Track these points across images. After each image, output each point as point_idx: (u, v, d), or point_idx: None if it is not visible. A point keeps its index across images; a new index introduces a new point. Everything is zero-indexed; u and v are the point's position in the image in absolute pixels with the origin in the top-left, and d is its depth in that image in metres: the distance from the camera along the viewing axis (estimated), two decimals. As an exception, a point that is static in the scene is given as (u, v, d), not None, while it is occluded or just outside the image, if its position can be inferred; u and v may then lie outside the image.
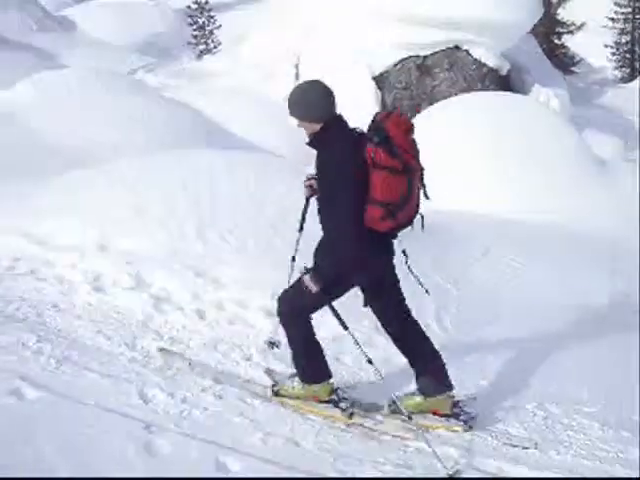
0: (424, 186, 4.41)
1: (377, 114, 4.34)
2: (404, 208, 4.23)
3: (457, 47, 19.27)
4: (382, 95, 18.76)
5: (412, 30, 18.49)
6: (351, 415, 4.64)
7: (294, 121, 4.39)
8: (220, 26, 31.03)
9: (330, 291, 4.43)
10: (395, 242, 4.54)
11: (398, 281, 4.65)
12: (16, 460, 3.81)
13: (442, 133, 12.77)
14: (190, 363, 5.09)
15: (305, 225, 4.91)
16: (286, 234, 6.82)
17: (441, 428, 4.61)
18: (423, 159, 4.33)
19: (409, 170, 4.20)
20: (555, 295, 7.24)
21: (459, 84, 19.14)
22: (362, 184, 4.15)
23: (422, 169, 4.36)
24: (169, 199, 7.05)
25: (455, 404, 4.70)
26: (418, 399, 4.69)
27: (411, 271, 4.55)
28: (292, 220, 6.99)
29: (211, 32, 31.09)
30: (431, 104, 16.83)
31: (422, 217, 4.41)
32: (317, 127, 4.30)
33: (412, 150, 4.24)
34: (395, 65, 19.10)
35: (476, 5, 18.23)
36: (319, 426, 4.53)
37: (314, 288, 4.33)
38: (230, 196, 7.18)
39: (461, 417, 4.66)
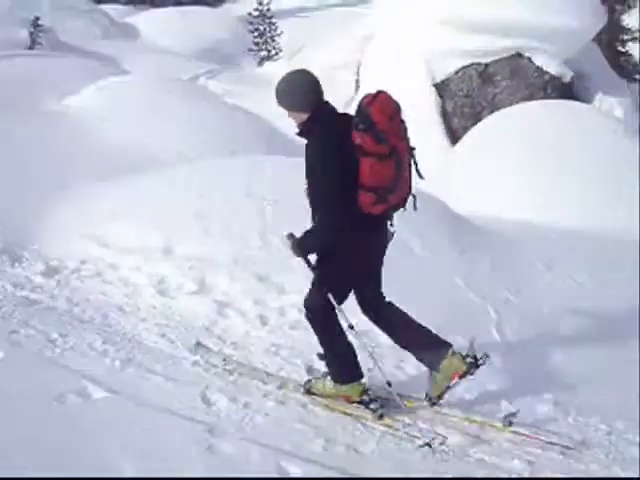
0: (416, 165, 4.49)
1: (363, 98, 4.34)
2: (395, 191, 4.33)
3: (519, 54, 19.03)
4: (442, 103, 18.61)
5: (473, 37, 18.33)
6: (381, 416, 4.64)
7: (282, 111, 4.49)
8: (281, 33, 31.13)
9: (334, 279, 4.59)
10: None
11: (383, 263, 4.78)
12: (81, 456, 3.89)
13: (503, 141, 12.65)
14: (225, 359, 5.15)
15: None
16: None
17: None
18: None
19: (396, 154, 4.28)
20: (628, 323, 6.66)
21: (521, 92, 18.89)
22: (352, 169, 4.22)
23: (412, 149, 4.44)
24: (233, 204, 7.12)
25: (365, 392, 4.73)
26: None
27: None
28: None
29: (272, 39, 31.19)
30: (492, 112, 16.68)
31: (414, 197, 4.51)
32: (305, 116, 4.37)
33: (398, 133, 4.31)
34: (456, 72, 18.94)
35: (539, 12, 18.00)
36: (380, 434, 4.52)
37: (294, 253, 4.57)
38: (293, 202, 7.20)
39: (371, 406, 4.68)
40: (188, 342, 5.42)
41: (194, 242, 6.69)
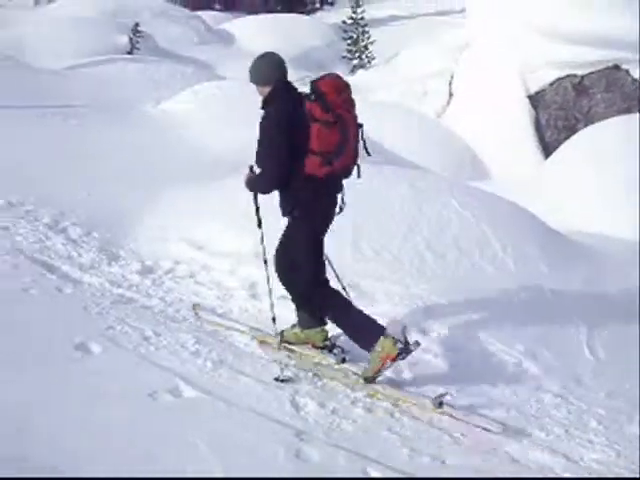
0: (364, 142, 5.09)
1: (316, 79, 5.00)
2: (339, 157, 4.87)
3: (616, 67, 18.64)
4: (536, 114, 18.36)
5: (569, 48, 18.02)
6: (343, 360, 5.15)
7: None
8: (374, 41, 31.19)
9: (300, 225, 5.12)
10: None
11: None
12: (171, 452, 4.00)
13: (598, 155, 12.40)
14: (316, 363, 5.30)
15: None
16: (441, 251, 6.84)
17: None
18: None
19: (342, 123, 4.83)
20: None
21: (617, 105, 18.48)
22: (302, 136, 4.78)
23: (360, 125, 5.01)
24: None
25: (326, 338, 5.33)
26: (296, 330, 5.41)
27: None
28: (447, 237, 7.04)
29: (365, 47, 31.26)
30: (587, 125, 16.37)
31: (358, 166, 5.13)
32: (267, 90, 4.99)
33: (344, 106, 4.87)
34: (551, 84, 18.65)
35: (636, 23, 17.62)
36: (466, 447, 4.50)
37: (245, 185, 5.23)
38: (386, 211, 7.23)
39: (334, 351, 5.27)
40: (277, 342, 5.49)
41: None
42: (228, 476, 3.84)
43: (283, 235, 5.27)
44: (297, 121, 4.83)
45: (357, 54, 31.43)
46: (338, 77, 5.04)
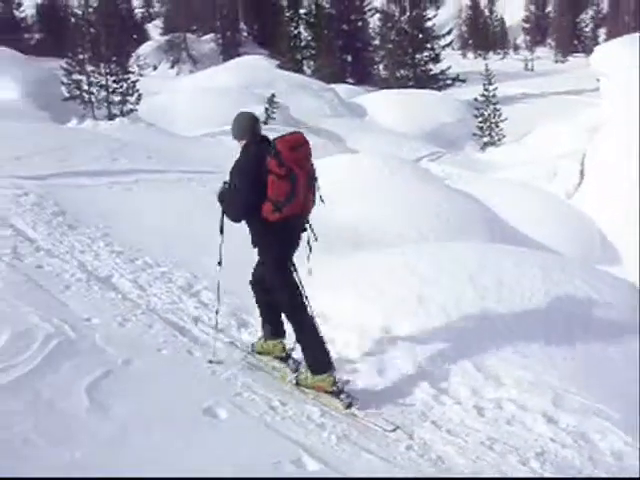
0: (319, 191, 5.85)
1: (275, 137, 5.67)
2: (288, 205, 5.53)
3: None
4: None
5: None
6: (349, 406, 5.58)
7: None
8: (505, 119, 31.16)
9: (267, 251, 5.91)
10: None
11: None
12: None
13: None
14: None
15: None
16: (571, 336, 6.65)
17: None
18: None
19: (293, 176, 5.50)
20: None
21: None
22: (263, 185, 5.51)
23: (314, 179, 5.76)
24: (455, 290, 7.11)
25: (334, 383, 5.71)
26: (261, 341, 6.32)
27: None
28: (577, 322, 6.84)
29: (496, 124, 31.29)
30: None
31: (311, 227, 6.06)
32: (242, 143, 5.82)
33: (297, 162, 5.54)
34: (690, 169, 18.11)
35: None
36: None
37: (217, 197, 5.96)
38: (518, 293, 7.11)
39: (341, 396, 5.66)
40: (404, 425, 5.41)
41: (414, 324, 6.71)
42: None
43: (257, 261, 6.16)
44: (261, 170, 5.52)
45: (488, 131, 31.43)
46: (297, 136, 5.71)
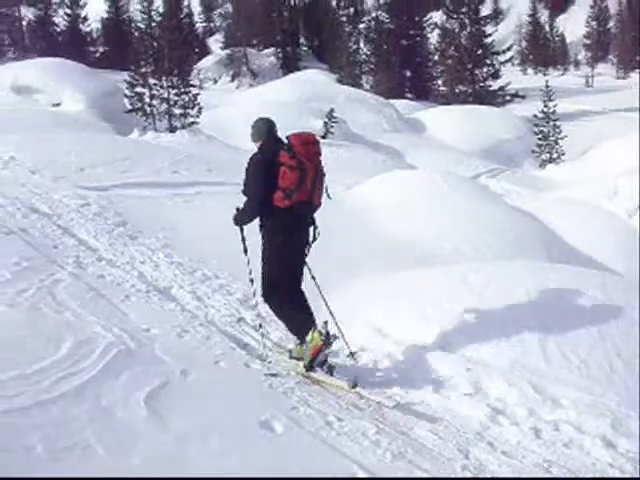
0: (326, 189, 6.51)
1: (290, 134, 6.31)
2: (297, 192, 6.14)
3: None
4: None
5: None
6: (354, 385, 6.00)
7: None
8: (565, 136, 30.79)
9: (275, 253, 6.39)
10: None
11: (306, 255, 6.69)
12: None
13: None
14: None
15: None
16: (633, 360, 6.53)
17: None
18: None
19: (303, 168, 6.13)
20: None
21: None
22: (274, 178, 6.15)
23: (322, 174, 6.37)
24: (514, 308, 7.05)
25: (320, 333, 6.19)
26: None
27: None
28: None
29: (556, 142, 30.92)
30: None
31: (315, 225, 6.60)
32: (258, 144, 6.52)
33: (307, 155, 6.18)
34: None
35: None
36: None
37: (234, 222, 6.61)
38: (575, 314, 7.03)
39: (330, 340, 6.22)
40: (459, 444, 5.37)
41: (472, 343, 6.66)
42: None
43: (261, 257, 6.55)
44: (273, 166, 6.16)
45: (547, 149, 31.11)
46: (309, 135, 6.39)
